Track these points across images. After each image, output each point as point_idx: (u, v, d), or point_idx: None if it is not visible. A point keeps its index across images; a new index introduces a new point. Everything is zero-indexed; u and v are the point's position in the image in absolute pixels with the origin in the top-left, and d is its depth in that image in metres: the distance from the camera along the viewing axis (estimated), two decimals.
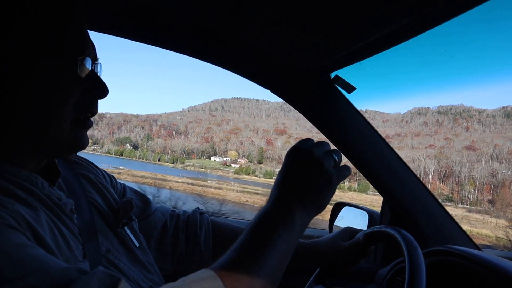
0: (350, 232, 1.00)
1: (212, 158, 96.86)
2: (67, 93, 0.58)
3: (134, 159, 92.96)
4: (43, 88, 0.56)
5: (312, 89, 1.14)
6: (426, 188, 1.22)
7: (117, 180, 0.90)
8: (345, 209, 1.42)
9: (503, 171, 79.34)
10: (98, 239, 0.66)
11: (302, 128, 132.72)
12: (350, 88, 1.11)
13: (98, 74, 0.65)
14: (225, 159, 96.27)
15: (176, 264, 0.92)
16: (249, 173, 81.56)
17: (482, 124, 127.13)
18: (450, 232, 1.21)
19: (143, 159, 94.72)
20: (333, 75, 1.10)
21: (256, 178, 79.09)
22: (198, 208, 1.01)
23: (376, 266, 1.23)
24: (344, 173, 0.66)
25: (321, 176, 0.62)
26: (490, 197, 72.78)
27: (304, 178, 0.61)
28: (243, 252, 0.53)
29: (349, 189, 75.13)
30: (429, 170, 78.93)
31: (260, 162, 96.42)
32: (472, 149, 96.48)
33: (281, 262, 0.55)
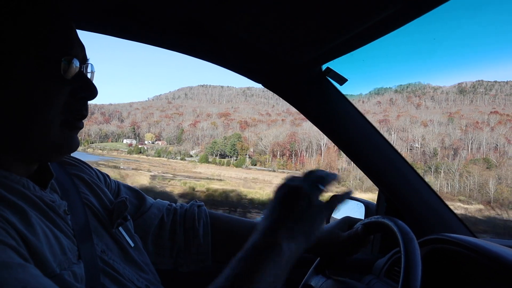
0: (349, 221, 0.99)
1: (125, 141, 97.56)
2: (52, 94, 0.56)
3: None
4: (25, 89, 0.53)
5: (304, 82, 1.11)
6: (421, 177, 1.22)
7: (111, 179, 0.88)
8: None
9: None
10: (92, 240, 0.65)
11: (254, 112, 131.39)
12: (342, 80, 1.08)
13: (89, 74, 0.63)
14: (132, 141, 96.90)
15: (176, 258, 0.91)
16: (140, 152, 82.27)
17: (435, 100, 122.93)
18: (445, 220, 1.20)
19: None
20: (324, 67, 1.07)
21: (144, 156, 79.78)
22: (195, 201, 1.00)
23: (373, 257, 1.24)
24: (332, 204, 0.67)
25: (309, 208, 0.61)
26: None
27: (292, 211, 0.60)
28: (231, 285, 0.52)
29: (228, 163, 75.04)
30: (321, 142, 77.43)
31: (174, 143, 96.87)
32: (384, 122, 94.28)
33: None
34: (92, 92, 0.61)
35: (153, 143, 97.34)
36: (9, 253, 0.43)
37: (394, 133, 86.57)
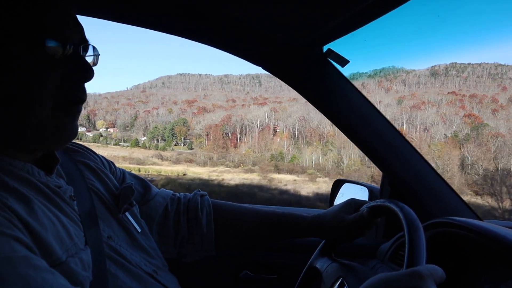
0: (354, 204, 0.97)
1: None
2: (43, 76, 0.53)
3: None
4: (15, 72, 0.52)
5: (305, 64, 1.09)
6: (425, 160, 1.19)
7: (116, 166, 0.88)
8: (345, 186, 1.43)
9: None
10: (99, 226, 0.64)
11: (224, 99, 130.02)
12: (344, 61, 1.06)
13: (91, 57, 0.61)
14: (82, 128, 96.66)
15: (180, 248, 0.92)
16: (80, 139, 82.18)
17: (406, 84, 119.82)
18: (450, 203, 1.18)
19: None
20: (325, 48, 1.05)
21: (80, 143, 79.65)
22: (198, 190, 1.00)
23: (377, 242, 1.23)
24: None
25: None
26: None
27: None
28: None
29: (156, 147, 75.03)
30: (255, 124, 76.03)
31: (127, 130, 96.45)
32: None
33: None
34: (86, 74, 0.58)
35: (105, 130, 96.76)
36: (12, 245, 0.42)
37: None
